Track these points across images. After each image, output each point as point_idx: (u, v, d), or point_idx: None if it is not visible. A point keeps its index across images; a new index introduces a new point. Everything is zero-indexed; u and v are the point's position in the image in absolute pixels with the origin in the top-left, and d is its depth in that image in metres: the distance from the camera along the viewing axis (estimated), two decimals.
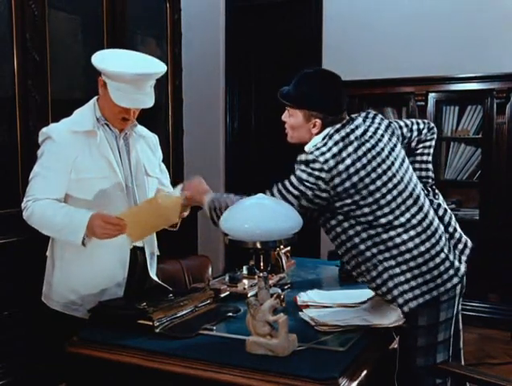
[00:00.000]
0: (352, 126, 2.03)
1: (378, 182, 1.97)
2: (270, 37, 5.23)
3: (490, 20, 4.34)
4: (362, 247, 1.99)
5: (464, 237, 2.12)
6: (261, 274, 1.78)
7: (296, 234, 1.82)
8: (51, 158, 2.15)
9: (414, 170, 2.20)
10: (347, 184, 1.94)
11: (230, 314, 2.09)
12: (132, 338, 1.87)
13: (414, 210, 2.00)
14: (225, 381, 1.64)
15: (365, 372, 1.69)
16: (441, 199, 2.17)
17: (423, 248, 1.98)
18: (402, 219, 1.98)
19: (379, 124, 2.10)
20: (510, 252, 4.14)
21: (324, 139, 1.99)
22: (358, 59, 4.74)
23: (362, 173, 1.95)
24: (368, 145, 1.99)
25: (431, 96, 4.36)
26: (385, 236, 1.98)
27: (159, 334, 1.89)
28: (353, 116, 2.12)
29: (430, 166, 2.25)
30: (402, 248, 1.97)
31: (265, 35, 5.26)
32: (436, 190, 2.21)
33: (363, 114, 2.14)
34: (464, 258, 2.08)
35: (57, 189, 2.15)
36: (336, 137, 1.98)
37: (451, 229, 2.10)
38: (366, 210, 1.96)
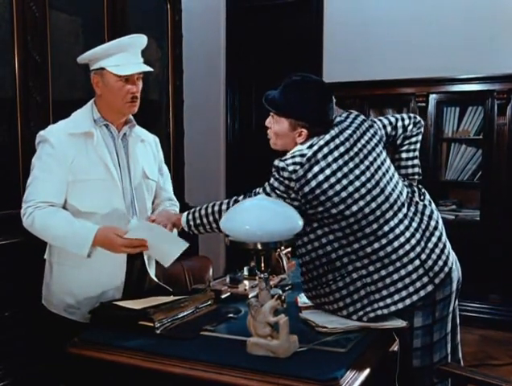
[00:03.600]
0: (333, 133, 1.99)
1: (353, 192, 1.93)
2: (270, 38, 5.23)
3: (491, 21, 4.34)
4: (333, 255, 1.98)
5: (448, 246, 2.07)
6: (262, 275, 1.78)
7: (298, 235, 1.82)
8: (49, 161, 2.13)
9: (401, 167, 2.18)
10: (317, 191, 1.92)
11: (231, 315, 2.09)
12: (133, 339, 1.87)
13: (388, 215, 1.96)
14: (225, 382, 1.64)
15: (366, 373, 1.69)
16: (427, 200, 2.12)
17: (394, 257, 1.95)
18: (375, 226, 1.95)
19: (359, 126, 2.05)
20: (511, 253, 4.13)
21: (307, 148, 1.97)
22: (359, 60, 4.74)
23: (333, 180, 1.92)
24: (346, 157, 1.96)
25: (432, 97, 4.37)
26: (356, 246, 1.96)
27: (160, 335, 1.89)
28: (337, 118, 2.07)
29: (416, 161, 2.21)
30: (373, 257, 1.96)
31: (265, 36, 5.26)
32: (423, 190, 2.16)
33: (344, 115, 2.10)
34: (451, 260, 2.03)
35: (57, 193, 2.13)
36: (315, 147, 1.96)
37: (437, 233, 2.04)
38: (339, 217, 1.94)
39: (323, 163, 1.94)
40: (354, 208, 1.93)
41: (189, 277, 2.73)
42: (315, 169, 1.93)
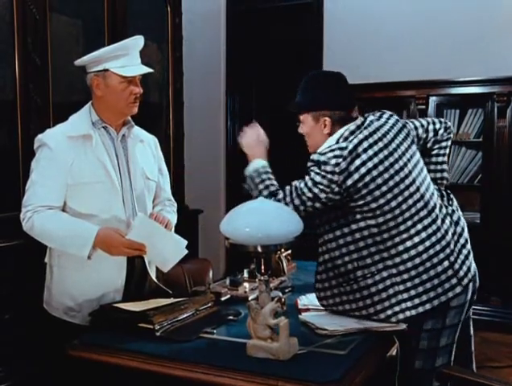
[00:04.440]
0: (371, 130, 1.99)
1: (393, 187, 1.94)
2: (270, 41, 5.24)
3: (491, 23, 4.35)
4: (365, 252, 1.96)
5: (471, 255, 2.08)
6: (262, 277, 1.79)
7: (298, 237, 1.82)
8: (48, 165, 2.13)
9: (430, 171, 2.17)
10: (359, 185, 1.91)
11: (231, 317, 2.09)
12: (133, 341, 1.86)
13: (422, 214, 1.97)
14: (225, 384, 1.64)
15: (366, 375, 1.69)
16: (455, 205, 2.13)
17: (425, 256, 1.95)
18: (409, 223, 1.95)
19: (394, 124, 2.06)
20: (511, 255, 4.13)
21: (337, 141, 1.98)
22: (359, 62, 4.74)
23: (375, 173, 1.92)
24: (385, 152, 1.96)
25: (432, 100, 4.37)
26: (389, 243, 1.95)
27: (160, 338, 1.89)
28: (367, 115, 2.09)
29: (445, 166, 2.23)
30: (405, 256, 1.95)
31: (266, 39, 5.27)
32: (451, 195, 2.17)
33: (377, 114, 2.12)
34: (473, 268, 2.04)
35: (56, 197, 2.13)
36: (351, 137, 1.97)
37: (462, 240, 2.06)
38: (378, 212, 1.93)
39: (364, 156, 1.93)
40: (393, 204, 1.93)
41: (189, 280, 2.72)
42: (357, 162, 1.92)
